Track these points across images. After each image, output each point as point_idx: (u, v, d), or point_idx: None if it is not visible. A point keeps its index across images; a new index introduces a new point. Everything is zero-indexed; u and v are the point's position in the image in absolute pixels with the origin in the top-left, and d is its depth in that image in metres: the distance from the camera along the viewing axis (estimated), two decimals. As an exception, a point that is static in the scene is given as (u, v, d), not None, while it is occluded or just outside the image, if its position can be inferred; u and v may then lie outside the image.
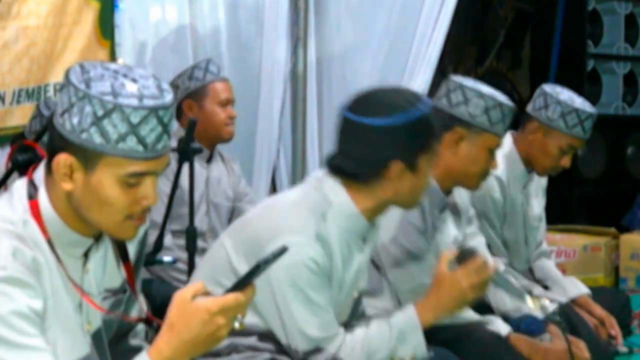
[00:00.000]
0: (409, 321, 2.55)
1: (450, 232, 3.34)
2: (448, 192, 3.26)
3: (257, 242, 2.46)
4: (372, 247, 2.75)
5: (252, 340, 2.51)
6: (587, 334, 3.53)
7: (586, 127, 3.74)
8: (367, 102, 2.54)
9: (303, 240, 2.43)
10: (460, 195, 3.44)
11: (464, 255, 2.59)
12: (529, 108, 3.84)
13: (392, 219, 3.15)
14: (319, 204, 2.52)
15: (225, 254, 2.53)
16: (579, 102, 3.76)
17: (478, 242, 3.53)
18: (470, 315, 3.14)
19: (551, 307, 3.54)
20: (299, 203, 2.54)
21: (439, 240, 3.28)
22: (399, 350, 2.51)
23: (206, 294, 1.85)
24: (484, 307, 3.37)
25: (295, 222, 2.47)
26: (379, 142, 2.51)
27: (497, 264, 2.56)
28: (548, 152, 3.78)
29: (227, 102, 4.00)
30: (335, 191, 2.53)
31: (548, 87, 3.84)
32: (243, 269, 2.43)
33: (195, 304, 1.82)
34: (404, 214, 3.13)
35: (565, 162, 3.79)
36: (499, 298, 3.48)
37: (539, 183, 4.04)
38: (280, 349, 2.53)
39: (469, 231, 3.50)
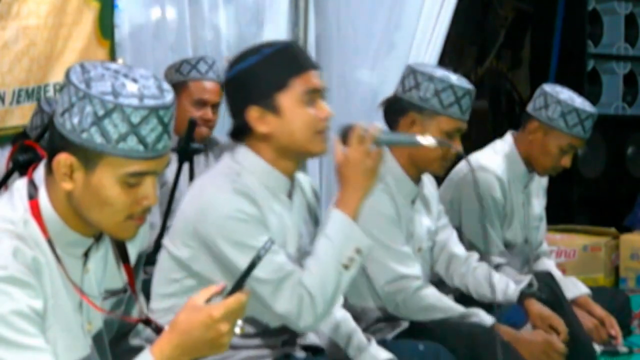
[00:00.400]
0: (339, 221, 2.50)
1: (423, 222, 3.33)
2: (418, 180, 3.25)
3: (186, 219, 2.50)
4: (312, 204, 2.73)
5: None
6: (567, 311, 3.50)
7: (586, 126, 3.74)
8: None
9: (222, 196, 2.46)
10: (428, 187, 3.42)
11: (345, 133, 2.54)
12: (529, 108, 3.84)
13: (362, 212, 3.16)
14: (231, 168, 2.54)
15: (166, 251, 2.57)
16: (579, 101, 3.76)
17: (449, 234, 3.51)
18: (454, 307, 3.14)
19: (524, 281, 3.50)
20: (213, 173, 2.59)
21: (412, 230, 3.26)
22: (346, 251, 2.47)
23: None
24: (465, 299, 3.37)
25: (212, 187, 2.50)
26: (232, 94, 2.57)
27: (374, 125, 2.53)
28: (548, 151, 3.78)
29: (205, 103, 3.96)
30: (244, 154, 2.56)
31: (548, 87, 3.83)
32: (183, 254, 2.50)
33: (200, 307, 1.83)
34: (373, 205, 3.13)
35: (566, 161, 3.79)
36: (477, 283, 3.46)
37: (540, 183, 4.04)
38: (263, 343, 2.54)
39: (440, 224, 3.49)
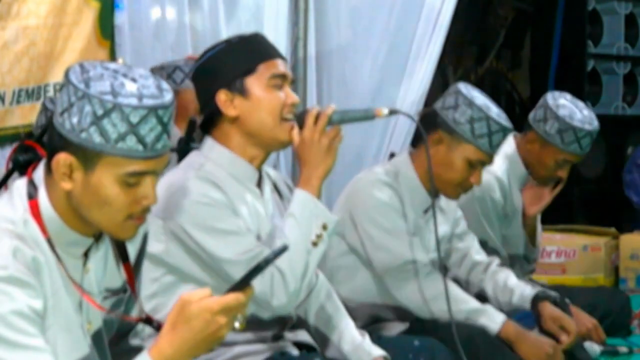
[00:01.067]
0: (302, 199, 2.52)
1: (440, 229, 3.33)
2: (436, 193, 3.25)
3: (154, 214, 2.44)
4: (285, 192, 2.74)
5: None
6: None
7: (583, 144, 3.70)
8: None
9: (186, 184, 2.48)
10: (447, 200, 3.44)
11: (301, 117, 2.56)
12: (530, 117, 3.82)
13: (367, 203, 3.18)
14: (195, 161, 2.58)
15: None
16: (578, 118, 3.69)
17: (470, 242, 3.53)
18: (464, 298, 3.15)
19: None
20: (177, 168, 2.62)
21: (424, 238, 3.27)
22: (313, 228, 2.50)
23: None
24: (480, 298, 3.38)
25: (174, 178, 2.52)
26: (201, 83, 2.62)
27: (329, 105, 2.58)
28: (544, 163, 3.77)
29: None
30: (210, 146, 2.60)
31: (550, 99, 3.76)
32: (156, 249, 2.50)
33: (196, 304, 1.82)
34: (378, 196, 3.16)
35: (562, 173, 3.79)
36: (496, 286, 3.48)
37: None
38: (254, 337, 2.54)
39: (458, 231, 3.50)
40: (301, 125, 2.54)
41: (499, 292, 3.46)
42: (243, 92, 2.53)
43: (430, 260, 3.28)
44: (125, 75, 1.89)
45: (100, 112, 1.84)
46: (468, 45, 7.04)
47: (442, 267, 3.41)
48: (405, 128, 4.71)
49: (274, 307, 2.50)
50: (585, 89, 6.46)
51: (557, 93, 3.84)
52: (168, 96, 1.91)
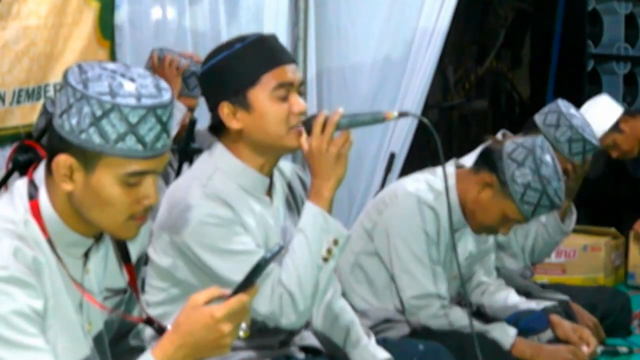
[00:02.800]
0: (312, 214, 2.45)
1: (466, 249, 3.35)
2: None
3: (162, 227, 2.48)
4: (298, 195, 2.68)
5: None
6: None
7: (587, 157, 3.78)
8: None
9: (193, 203, 2.41)
10: None
11: (309, 123, 2.46)
12: (539, 120, 3.82)
13: (405, 223, 3.15)
14: (203, 171, 2.50)
15: (150, 260, 2.54)
16: (588, 131, 3.77)
17: (485, 260, 3.55)
18: (476, 327, 3.13)
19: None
20: (186, 177, 2.57)
21: (452, 257, 3.27)
22: (323, 244, 2.43)
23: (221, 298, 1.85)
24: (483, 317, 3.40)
25: (182, 192, 2.46)
26: (205, 90, 2.54)
27: (337, 110, 2.48)
28: None
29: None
30: (220, 153, 2.52)
31: (563, 106, 3.80)
32: (165, 263, 2.48)
33: (201, 308, 1.82)
34: (417, 219, 3.14)
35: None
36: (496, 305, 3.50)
37: None
38: (261, 343, 2.53)
39: (484, 247, 3.52)
40: (309, 131, 2.45)
41: (498, 310, 3.47)
42: (246, 105, 2.44)
43: (457, 276, 3.31)
44: (123, 75, 1.89)
45: (99, 112, 1.84)
46: (468, 45, 7.04)
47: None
48: (405, 128, 4.72)
49: (283, 326, 2.47)
50: (585, 89, 6.45)
51: (566, 101, 3.88)
52: (167, 95, 1.90)
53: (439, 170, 3.26)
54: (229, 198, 2.44)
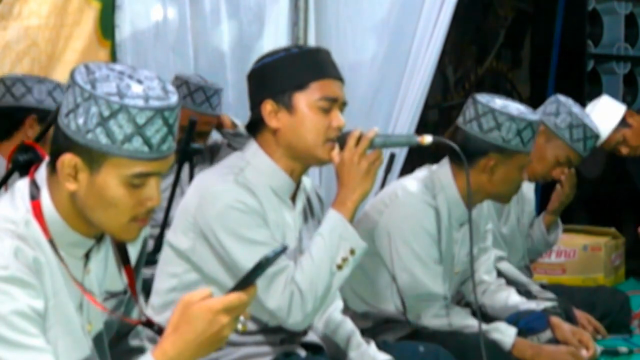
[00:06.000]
0: (333, 220, 2.51)
1: (467, 244, 3.35)
2: (472, 207, 3.27)
3: (187, 210, 2.51)
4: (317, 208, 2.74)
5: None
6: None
7: (588, 145, 3.79)
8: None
9: (223, 187, 2.48)
10: (483, 209, 3.47)
11: (343, 138, 2.53)
12: (539, 110, 3.85)
13: (406, 223, 3.16)
14: (236, 164, 2.57)
15: (168, 244, 2.58)
16: (588, 119, 3.82)
17: (485, 259, 3.55)
18: (476, 327, 3.12)
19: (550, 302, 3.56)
20: (218, 167, 2.62)
21: (454, 253, 3.29)
22: (340, 251, 2.48)
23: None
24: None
25: (213, 178, 2.52)
26: (252, 87, 2.59)
27: (372, 129, 2.53)
28: (544, 158, 3.81)
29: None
30: (254, 151, 2.58)
31: (562, 98, 3.87)
32: (182, 244, 2.51)
33: (198, 303, 1.82)
34: (418, 218, 3.15)
35: (557, 173, 3.83)
36: (496, 305, 3.50)
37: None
38: (262, 340, 2.54)
39: (483, 245, 3.52)
40: (342, 146, 2.52)
41: (499, 310, 3.48)
42: (289, 107, 2.51)
43: (459, 272, 3.35)
44: (130, 77, 1.90)
45: (106, 113, 1.84)
46: (468, 45, 7.04)
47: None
48: (405, 129, 4.72)
49: (288, 324, 2.50)
50: (585, 89, 6.45)
51: (566, 97, 3.91)
52: (174, 98, 1.91)
53: (434, 167, 3.32)
54: (257, 191, 2.50)
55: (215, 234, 2.46)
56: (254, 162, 2.56)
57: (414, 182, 3.30)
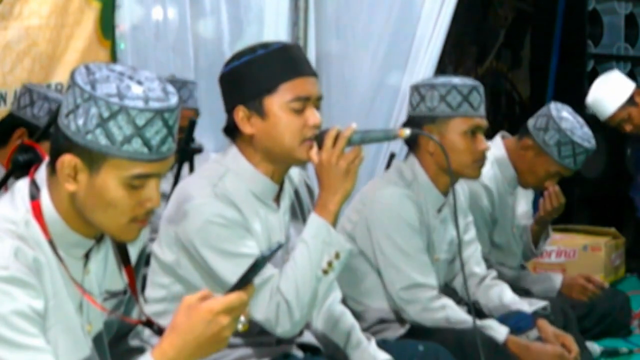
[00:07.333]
0: (316, 226, 2.45)
1: (449, 233, 3.35)
2: (447, 191, 3.28)
3: (169, 222, 2.48)
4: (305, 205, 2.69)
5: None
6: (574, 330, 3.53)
7: (578, 160, 3.74)
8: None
9: (202, 201, 2.42)
10: (461, 199, 3.46)
11: (322, 136, 2.46)
12: (530, 123, 3.83)
13: (385, 216, 3.16)
14: (215, 171, 2.51)
15: (154, 255, 2.55)
16: (578, 134, 3.73)
17: (472, 251, 3.54)
18: (468, 320, 3.13)
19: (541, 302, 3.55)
20: (197, 175, 2.57)
21: (435, 239, 3.29)
22: (324, 256, 2.43)
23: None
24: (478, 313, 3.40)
25: (192, 190, 2.47)
26: (223, 92, 2.53)
27: (350, 126, 2.44)
28: (535, 172, 3.80)
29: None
30: (234, 156, 2.53)
31: (554, 109, 3.79)
32: (168, 258, 2.49)
33: (198, 304, 1.82)
34: (397, 210, 3.15)
35: (549, 184, 3.82)
36: (489, 301, 3.50)
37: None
38: (259, 341, 2.53)
39: (467, 238, 3.50)
40: (320, 145, 2.45)
41: (493, 309, 3.47)
42: (261, 112, 2.45)
43: (444, 259, 3.34)
44: (131, 78, 1.89)
45: (106, 114, 1.84)
46: (468, 45, 7.04)
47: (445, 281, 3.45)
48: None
49: (278, 334, 2.48)
50: (585, 89, 6.44)
51: (559, 104, 3.86)
52: (174, 99, 1.91)
53: (402, 164, 3.32)
54: (237, 200, 2.45)
55: (198, 250, 2.43)
56: (234, 168, 2.51)
57: (386, 177, 3.34)
